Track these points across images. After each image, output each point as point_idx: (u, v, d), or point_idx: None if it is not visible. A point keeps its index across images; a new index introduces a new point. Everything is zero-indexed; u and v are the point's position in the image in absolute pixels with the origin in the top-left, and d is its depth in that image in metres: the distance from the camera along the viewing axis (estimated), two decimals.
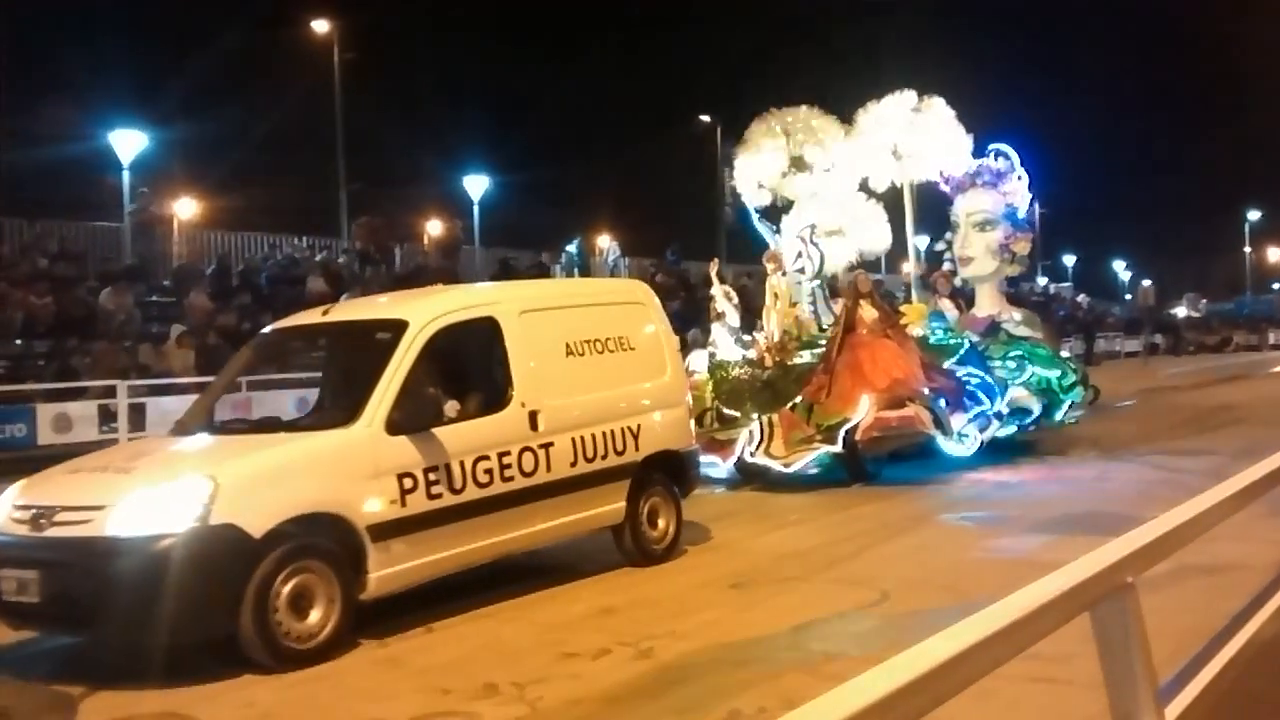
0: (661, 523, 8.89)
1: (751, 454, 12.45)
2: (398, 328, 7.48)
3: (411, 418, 7.11)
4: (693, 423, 9.89)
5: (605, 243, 36.43)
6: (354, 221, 29.71)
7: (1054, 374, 14.78)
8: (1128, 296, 66.82)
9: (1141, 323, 49.55)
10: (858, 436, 12.23)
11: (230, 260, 25.01)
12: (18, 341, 18.98)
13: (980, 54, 60.18)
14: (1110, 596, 2.83)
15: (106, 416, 17.44)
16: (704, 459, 12.37)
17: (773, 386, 13.21)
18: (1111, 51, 68.90)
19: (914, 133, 15.18)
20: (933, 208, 16.40)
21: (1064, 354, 18.34)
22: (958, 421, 12.81)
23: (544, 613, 7.46)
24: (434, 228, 33.23)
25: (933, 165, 15.48)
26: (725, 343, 14.40)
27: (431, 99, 45.12)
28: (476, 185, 37.99)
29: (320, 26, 33.14)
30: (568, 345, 8.41)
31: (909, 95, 15.26)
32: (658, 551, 8.81)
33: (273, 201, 30.42)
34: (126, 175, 25.00)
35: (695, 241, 35.60)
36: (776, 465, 12.33)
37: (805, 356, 13.58)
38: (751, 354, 14.00)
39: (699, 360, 14.20)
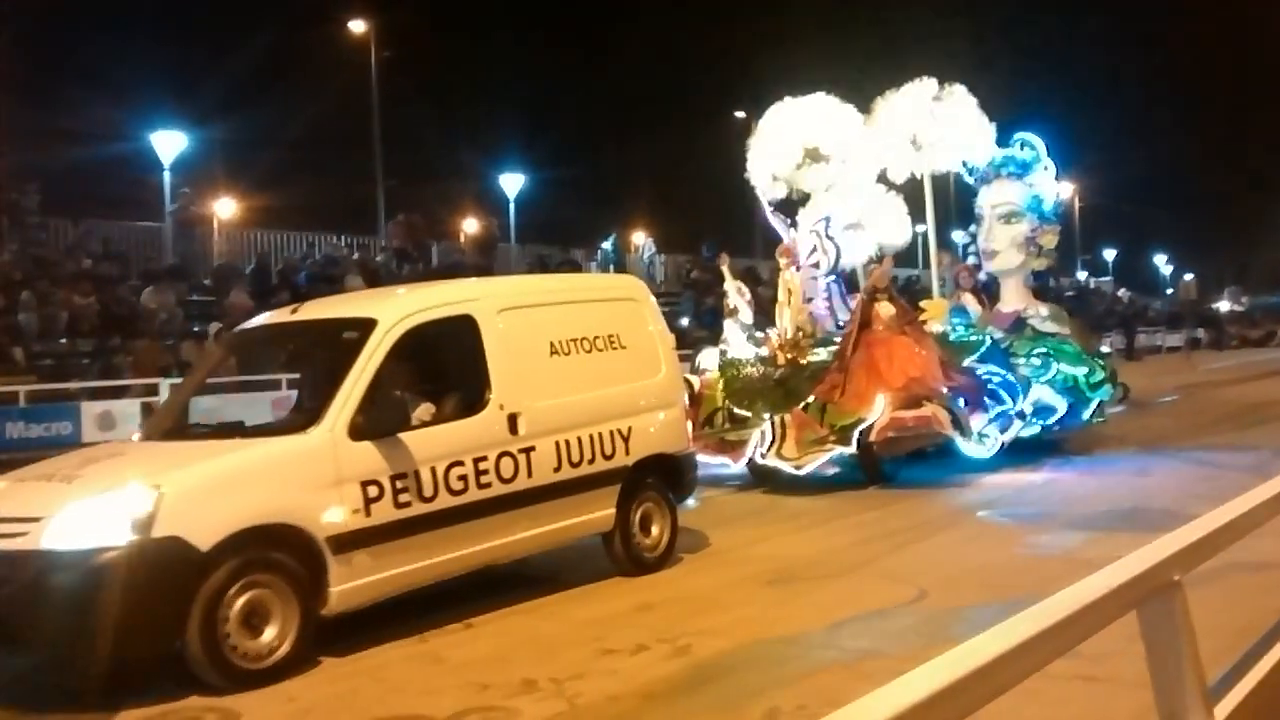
0: (655, 530, 8.49)
1: (763, 455, 12.08)
2: (365, 327, 7.11)
3: (378, 422, 6.75)
4: (690, 424, 9.51)
5: (640, 239, 36.48)
6: (391, 220, 29.88)
7: (1080, 371, 14.18)
8: (1169, 290, 66.05)
9: (1183, 317, 48.94)
10: (872, 437, 11.81)
11: (270, 259, 25.24)
12: (62, 340, 19.27)
13: (1019, 43, 59.71)
14: (1157, 595, 2.79)
15: (149, 414, 17.63)
16: (715, 460, 12.30)
17: (785, 385, 12.79)
18: (1153, 42, 68.05)
19: (934, 122, 14.64)
20: (958, 200, 16.14)
21: (1104, 349, 18.08)
22: (977, 422, 12.34)
23: (582, 609, 7.48)
24: (470, 225, 33.37)
25: (954, 155, 14.98)
26: (737, 340, 13.97)
27: (467, 96, 45.30)
28: (512, 183, 38.12)
29: (357, 26, 33.34)
30: (552, 344, 8.02)
31: (929, 83, 14.71)
32: (651, 560, 8.42)
33: (311, 200, 30.71)
34: (167, 175, 25.30)
35: (732, 236, 35.51)
36: (788, 467, 11.94)
37: (820, 354, 13.18)
38: (764, 351, 13.56)
39: (710, 358, 13.86)
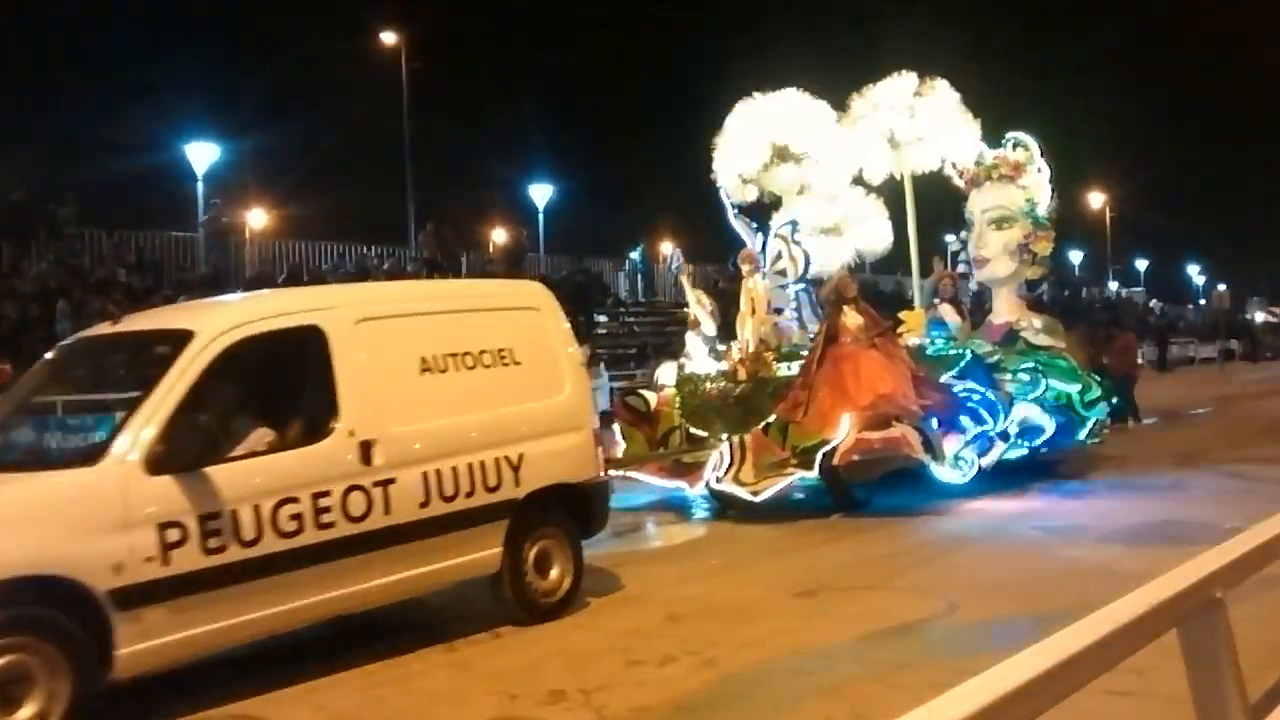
0: (555, 571, 7.48)
1: (719, 479, 11.04)
2: (179, 340, 6.19)
3: (182, 452, 5.78)
4: (601, 451, 8.23)
5: (669, 248, 36.48)
6: (421, 230, 30.04)
7: (1074, 388, 13.11)
8: (1202, 301, 65.34)
9: (1217, 327, 48.39)
10: (835, 461, 10.68)
11: (301, 269, 25.40)
12: None
13: (1050, 47, 59.36)
14: (1199, 612, 2.75)
15: None
16: (670, 484, 11.70)
17: (745, 403, 11.70)
18: (1184, 50, 67.50)
19: (914, 118, 13.62)
20: (948, 204, 14.75)
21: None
22: (953, 444, 11.24)
23: (610, 619, 7.46)
24: (499, 235, 33.52)
25: (935, 154, 13.89)
26: (699, 353, 12.96)
27: (497, 107, 45.56)
28: (541, 193, 38.25)
29: (388, 38, 33.58)
30: (424, 360, 7.00)
31: (909, 77, 13.71)
32: (548, 605, 7.40)
33: (341, 211, 30.92)
34: (200, 186, 25.55)
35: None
36: (744, 494, 10.85)
37: (787, 369, 12.05)
38: (725, 366, 12.46)
39: (669, 373, 12.87)
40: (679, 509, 11.92)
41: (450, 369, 7.14)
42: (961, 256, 14.74)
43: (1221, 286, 56.35)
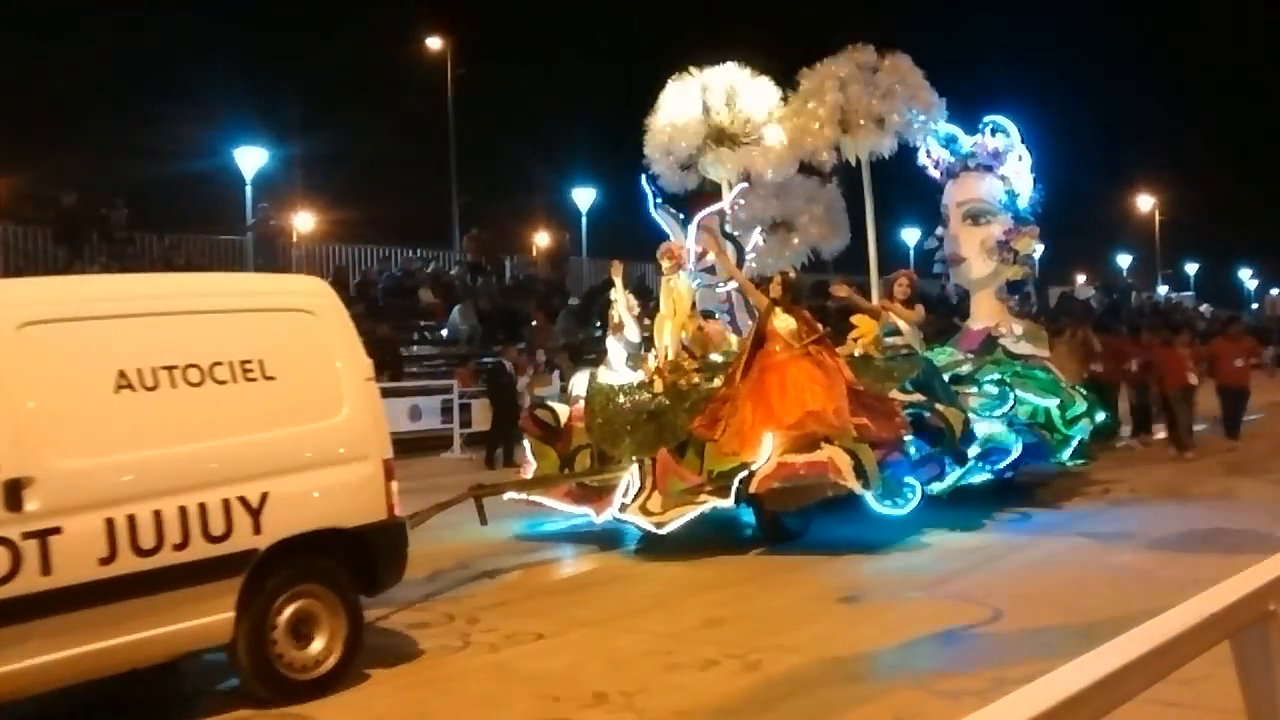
0: (319, 639, 6.06)
1: (622, 508, 9.64)
2: None
3: None
4: (393, 485, 6.58)
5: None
6: (465, 234, 30.25)
7: (1051, 403, 11.65)
8: (1254, 305, 64.23)
9: (1270, 332, 47.55)
10: (753, 488, 9.24)
11: (347, 273, 25.68)
12: None
13: (1096, 44, 58.64)
14: (1253, 625, 2.71)
15: None
16: (576, 511, 10.14)
17: (659, 418, 10.12)
18: (1235, 51, 66.36)
19: (867, 95, 12.08)
20: (927, 196, 13.34)
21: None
22: (892, 469, 9.67)
23: (652, 622, 7.45)
24: (542, 239, 33.67)
25: (889, 137, 12.28)
26: (620, 362, 11.27)
27: (541, 111, 45.69)
28: (584, 196, 38.36)
29: (434, 43, 33.84)
30: (123, 375, 5.58)
31: (866, 50, 12.24)
32: (304, 682, 5.99)
33: (386, 214, 31.21)
34: (249, 190, 25.88)
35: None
36: (648, 525, 9.44)
37: (712, 380, 10.42)
38: (641, 375, 10.78)
39: (583, 383, 11.11)
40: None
41: (162, 385, 5.70)
42: (937, 256, 13.20)
43: (1275, 291, 55.37)
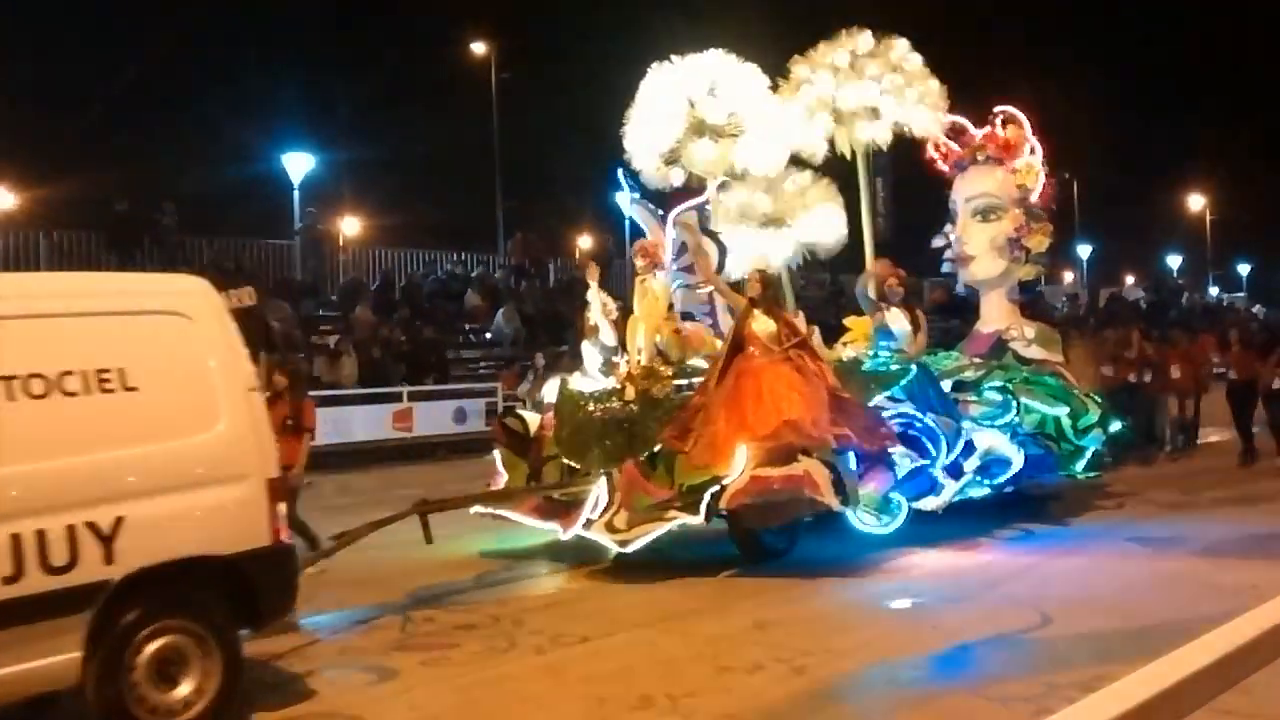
0: (189, 680, 5.45)
1: (587, 524, 9.05)
2: None
3: None
4: (280, 507, 5.95)
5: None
6: (510, 237, 30.41)
7: (1060, 411, 10.98)
8: None
9: None
10: (723, 504, 8.67)
11: (393, 276, 25.90)
12: None
13: (1140, 40, 57.74)
14: None
15: None
16: (543, 525, 9.55)
17: (630, 428, 9.48)
18: None
19: (862, 86, 11.46)
20: (935, 191, 12.76)
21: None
22: (880, 483, 9.21)
23: (700, 626, 7.45)
24: (585, 242, 33.78)
25: (886, 128, 11.60)
26: (595, 366, 10.68)
27: (584, 113, 45.88)
28: (626, 200, 38.43)
29: (478, 48, 34.06)
30: None
31: (863, 37, 11.55)
32: None
33: (432, 219, 31.46)
34: (296, 195, 26.19)
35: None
36: (611, 543, 8.88)
37: (688, 387, 9.81)
38: (612, 382, 10.17)
39: (554, 390, 10.43)
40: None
41: None
42: (945, 254, 12.58)
43: None
